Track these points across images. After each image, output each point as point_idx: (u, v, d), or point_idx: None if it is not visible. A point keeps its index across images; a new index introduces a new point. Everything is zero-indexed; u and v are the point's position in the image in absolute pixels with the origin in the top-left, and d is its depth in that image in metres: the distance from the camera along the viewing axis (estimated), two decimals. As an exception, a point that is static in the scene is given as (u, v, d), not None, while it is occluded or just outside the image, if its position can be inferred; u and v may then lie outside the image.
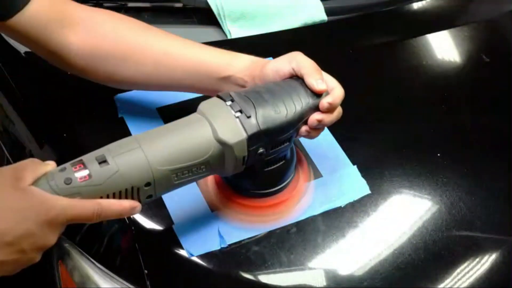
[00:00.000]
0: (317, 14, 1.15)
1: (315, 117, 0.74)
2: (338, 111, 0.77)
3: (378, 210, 0.86)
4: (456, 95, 1.08)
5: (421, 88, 1.08)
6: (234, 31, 1.10)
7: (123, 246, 0.81)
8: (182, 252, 0.77)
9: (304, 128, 0.75)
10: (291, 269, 0.79)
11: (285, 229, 0.81)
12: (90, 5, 0.85)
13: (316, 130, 0.76)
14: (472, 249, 0.86)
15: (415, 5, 1.24)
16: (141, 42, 0.81)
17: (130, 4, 1.08)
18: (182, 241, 0.78)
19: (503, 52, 1.21)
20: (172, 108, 0.93)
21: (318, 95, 0.74)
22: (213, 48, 0.83)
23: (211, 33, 1.10)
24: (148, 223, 0.80)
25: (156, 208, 0.81)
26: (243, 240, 0.79)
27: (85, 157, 0.63)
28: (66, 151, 0.89)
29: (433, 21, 1.23)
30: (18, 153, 0.95)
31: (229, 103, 0.69)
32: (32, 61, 0.94)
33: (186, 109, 0.94)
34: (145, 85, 0.85)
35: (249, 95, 0.71)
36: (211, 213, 0.81)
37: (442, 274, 0.82)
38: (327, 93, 0.75)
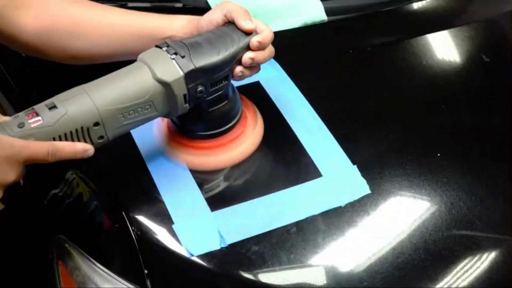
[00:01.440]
0: (317, 14, 1.15)
1: (247, 55, 0.81)
2: (270, 49, 0.83)
3: (378, 210, 0.86)
4: (456, 95, 1.08)
5: (421, 88, 1.08)
6: (234, 31, 1.10)
7: (123, 246, 0.81)
8: (182, 252, 0.77)
9: (238, 68, 0.81)
10: (291, 269, 0.79)
11: (285, 229, 0.81)
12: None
13: (249, 69, 0.82)
14: (472, 249, 0.86)
15: (415, 5, 1.24)
16: (88, 16, 0.86)
17: (130, 4, 1.08)
18: (182, 241, 0.78)
19: (503, 52, 1.21)
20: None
21: (249, 35, 0.81)
22: (155, 14, 0.89)
23: (211, 33, 1.10)
24: (148, 223, 0.80)
25: (156, 208, 0.81)
26: (243, 240, 0.79)
27: (36, 106, 0.69)
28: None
29: (433, 21, 1.23)
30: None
31: (165, 48, 0.76)
32: (32, 61, 0.94)
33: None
34: (95, 57, 0.88)
35: (184, 41, 0.78)
36: (211, 213, 0.81)
37: (442, 274, 0.82)
38: (256, 33, 0.81)
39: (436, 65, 1.13)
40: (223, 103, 0.83)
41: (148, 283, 0.75)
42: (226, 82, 0.81)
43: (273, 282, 0.78)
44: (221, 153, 0.87)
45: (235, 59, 0.80)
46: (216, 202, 0.83)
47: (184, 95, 0.76)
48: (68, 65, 0.88)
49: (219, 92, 0.81)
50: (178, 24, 0.86)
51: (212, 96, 0.80)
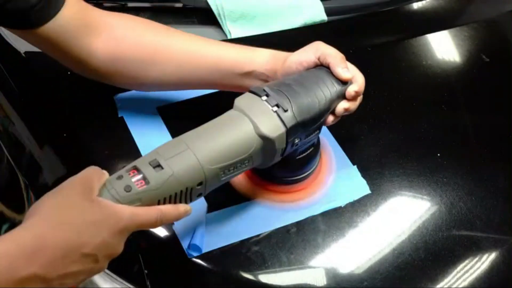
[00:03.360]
0: (317, 14, 1.15)
1: (342, 105, 0.77)
2: (361, 97, 0.80)
3: (378, 210, 0.86)
4: (456, 95, 1.08)
5: (421, 88, 1.08)
6: (234, 31, 1.10)
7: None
8: (182, 252, 0.77)
9: (331, 118, 0.78)
10: (291, 269, 0.79)
11: (285, 229, 0.81)
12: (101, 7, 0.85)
13: (339, 117, 0.79)
14: (472, 249, 0.86)
15: (415, 5, 1.24)
16: (163, 43, 0.82)
17: (130, 4, 1.08)
18: (182, 241, 0.78)
19: (503, 52, 1.21)
20: (172, 107, 0.93)
21: (343, 83, 0.77)
22: (234, 44, 0.85)
23: (211, 33, 1.10)
24: (148, 223, 0.80)
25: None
26: (243, 240, 0.79)
27: (138, 162, 0.65)
28: (66, 151, 0.89)
29: (433, 21, 1.23)
30: (18, 153, 0.95)
31: (264, 98, 0.72)
32: (32, 61, 0.94)
33: (186, 108, 0.94)
34: (168, 85, 0.86)
35: (281, 88, 0.73)
36: (211, 213, 0.81)
37: (442, 274, 0.82)
38: (351, 82, 0.78)
39: (436, 65, 1.13)
40: (310, 150, 0.81)
41: (148, 283, 0.75)
42: (318, 131, 0.78)
43: (273, 282, 0.78)
44: (302, 196, 0.85)
45: (331, 109, 0.77)
46: (216, 202, 0.83)
47: (282, 149, 0.73)
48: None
49: (311, 142, 0.79)
50: (260, 59, 0.81)
51: (304, 146, 0.78)
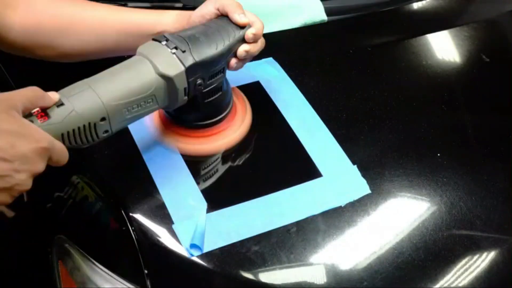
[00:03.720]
0: (317, 14, 1.15)
1: (243, 48, 0.84)
2: (262, 41, 0.86)
3: (378, 210, 0.86)
4: (456, 95, 1.08)
5: (421, 88, 1.08)
6: (234, 31, 1.10)
7: (123, 246, 0.81)
8: (182, 252, 0.77)
9: (233, 61, 0.84)
10: (291, 269, 0.79)
11: (285, 229, 0.81)
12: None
13: (243, 61, 0.86)
14: (472, 249, 0.86)
15: (415, 5, 1.24)
16: (77, 13, 0.86)
17: (130, 4, 1.08)
18: (182, 241, 0.78)
19: (503, 52, 1.21)
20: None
21: (242, 28, 0.84)
22: (143, 9, 0.89)
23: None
24: (148, 223, 0.80)
25: (156, 208, 0.81)
26: (243, 240, 0.79)
27: None
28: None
29: (433, 21, 1.23)
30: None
31: (164, 42, 0.78)
32: (32, 61, 0.94)
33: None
34: (88, 54, 0.89)
35: (182, 34, 0.80)
36: (212, 213, 0.81)
37: (442, 274, 0.82)
38: (250, 26, 0.84)
39: (436, 65, 1.13)
40: (218, 95, 0.86)
41: (148, 283, 0.75)
42: (222, 74, 0.84)
43: (273, 282, 0.78)
44: (214, 141, 0.90)
45: (231, 52, 0.83)
46: (217, 202, 0.83)
47: (185, 89, 0.78)
48: (69, 64, 0.88)
49: (215, 84, 0.84)
50: (168, 20, 0.86)
51: (209, 88, 0.83)
